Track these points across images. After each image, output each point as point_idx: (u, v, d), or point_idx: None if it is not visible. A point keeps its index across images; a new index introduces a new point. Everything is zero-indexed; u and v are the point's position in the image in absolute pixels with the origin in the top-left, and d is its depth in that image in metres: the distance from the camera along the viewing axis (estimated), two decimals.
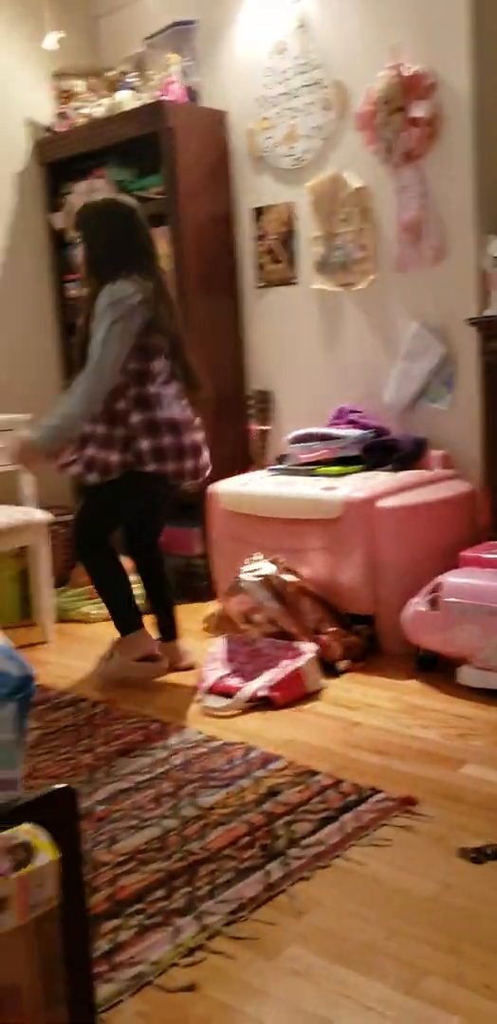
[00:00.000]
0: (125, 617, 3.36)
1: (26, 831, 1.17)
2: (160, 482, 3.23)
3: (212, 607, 4.07)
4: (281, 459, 4.09)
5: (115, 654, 3.36)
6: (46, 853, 1.15)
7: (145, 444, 3.12)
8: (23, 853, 1.13)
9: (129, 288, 3.06)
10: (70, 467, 3.19)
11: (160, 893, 1.96)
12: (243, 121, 4.26)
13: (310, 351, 4.21)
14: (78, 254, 3.30)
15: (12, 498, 3.88)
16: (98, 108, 4.45)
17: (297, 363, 4.27)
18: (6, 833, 1.16)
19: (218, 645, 3.28)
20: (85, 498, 3.36)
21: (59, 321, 4.71)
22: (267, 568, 3.37)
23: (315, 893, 1.93)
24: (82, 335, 3.17)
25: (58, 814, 1.25)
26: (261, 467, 4.17)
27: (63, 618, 4.08)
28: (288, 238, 4.20)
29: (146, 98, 4.30)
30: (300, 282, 4.19)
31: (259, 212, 4.29)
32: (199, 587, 4.23)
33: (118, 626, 3.37)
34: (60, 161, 4.55)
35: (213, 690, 3.08)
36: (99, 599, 3.61)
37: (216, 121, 4.28)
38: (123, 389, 3.12)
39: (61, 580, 4.32)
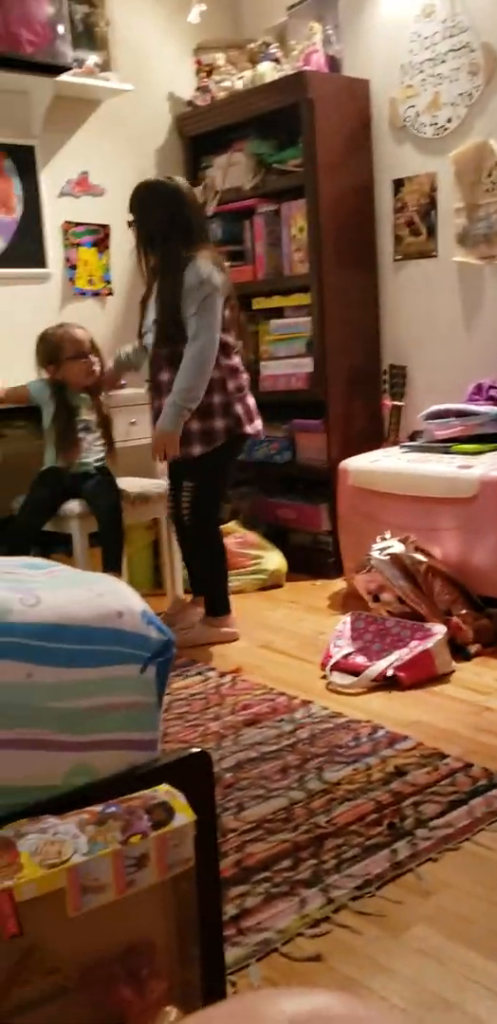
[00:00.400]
0: (224, 597, 3.54)
1: (165, 792, 1.19)
2: (244, 443, 3.51)
3: (338, 584, 4.06)
4: (414, 436, 4.03)
5: (197, 623, 3.50)
6: (184, 814, 1.17)
7: (239, 408, 3.37)
8: (162, 813, 1.16)
9: (210, 264, 3.25)
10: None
11: (286, 863, 1.97)
12: (385, 89, 4.19)
13: (448, 325, 4.12)
14: (133, 234, 3.40)
15: (145, 471, 3.96)
16: (239, 81, 4.45)
17: (434, 337, 4.19)
18: (146, 793, 1.19)
19: (344, 622, 3.27)
20: (188, 477, 3.42)
21: None
22: (398, 547, 3.33)
23: (443, 875, 1.91)
24: (164, 310, 3.28)
25: (194, 777, 1.27)
26: (393, 444, 4.11)
27: (190, 589, 4.14)
28: (428, 210, 4.10)
29: (287, 69, 4.28)
30: (440, 255, 4.10)
31: (399, 183, 4.21)
32: (325, 564, 4.23)
33: (216, 605, 3.53)
34: (200, 135, 4.58)
35: (338, 667, 3.07)
36: (234, 570, 3.80)
37: (357, 90, 4.21)
38: (217, 359, 3.28)
39: None
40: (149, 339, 3.40)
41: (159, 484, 3.84)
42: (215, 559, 3.53)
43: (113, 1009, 1.18)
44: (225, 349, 3.32)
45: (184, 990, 1.25)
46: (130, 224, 3.40)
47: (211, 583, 3.55)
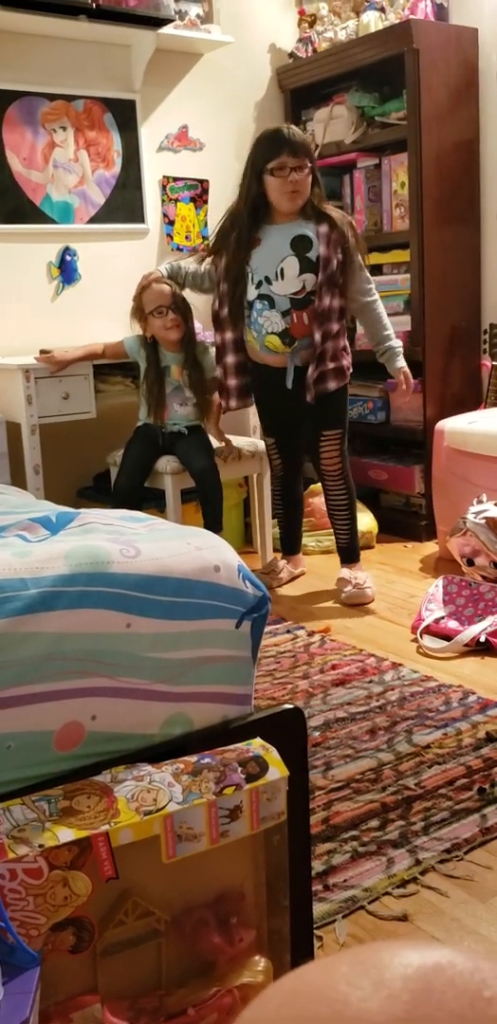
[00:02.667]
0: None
1: (259, 745, 1.21)
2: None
3: (431, 547, 4.01)
4: None
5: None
6: (277, 769, 1.18)
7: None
8: (256, 767, 1.17)
9: None
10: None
11: (374, 823, 1.98)
12: (494, 38, 4.04)
13: None
14: (309, 183, 3.26)
15: (238, 429, 3.97)
16: (342, 31, 4.36)
17: None
18: (240, 746, 1.20)
19: (436, 586, 3.23)
20: (335, 423, 3.41)
21: None
22: (494, 510, 3.27)
23: None
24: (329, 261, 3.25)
25: (288, 733, 1.28)
26: (492, 405, 4.02)
27: (280, 548, 4.15)
28: None
29: (392, 19, 4.17)
30: None
31: None
32: (417, 526, 4.18)
33: (358, 551, 3.57)
34: (301, 88, 4.51)
35: (430, 631, 3.04)
36: (323, 531, 3.78)
37: (465, 39, 4.08)
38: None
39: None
40: (274, 288, 3.26)
41: (252, 442, 3.84)
42: (354, 499, 3.56)
43: (203, 954, 1.20)
44: None
45: (272, 941, 1.27)
46: (310, 170, 3.24)
47: (353, 524, 3.57)
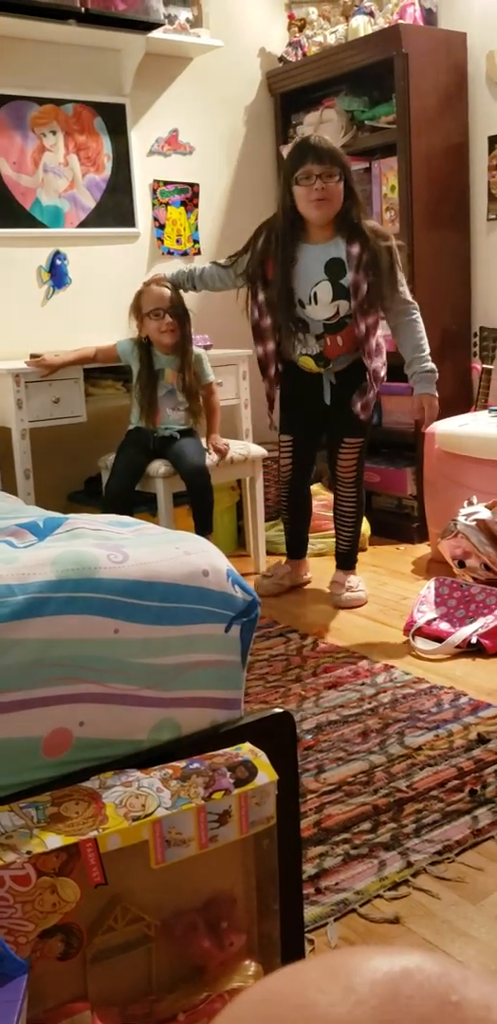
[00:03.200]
0: None
1: (248, 750, 1.21)
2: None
3: (423, 549, 4.02)
4: None
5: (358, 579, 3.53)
6: (266, 773, 1.18)
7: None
8: (245, 771, 1.17)
9: None
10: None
11: (366, 826, 1.98)
12: (483, 43, 4.06)
13: None
14: (340, 192, 3.14)
15: (231, 433, 3.97)
16: (331, 35, 4.37)
17: None
18: (229, 750, 1.20)
19: (428, 588, 3.23)
20: (358, 432, 3.40)
21: None
22: (485, 512, 3.28)
23: None
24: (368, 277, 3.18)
25: (277, 737, 1.28)
26: (482, 408, 4.03)
27: (272, 551, 4.15)
28: None
29: (381, 23, 4.18)
30: None
31: (495, 140, 4.08)
32: (410, 528, 4.18)
33: (355, 560, 3.57)
34: (291, 92, 4.52)
35: (421, 632, 3.05)
36: (316, 533, 3.80)
37: (454, 44, 4.09)
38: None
39: (272, 514, 4.40)
40: (308, 312, 3.22)
41: (245, 445, 3.84)
42: (362, 508, 3.57)
43: (193, 959, 1.20)
44: None
45: (263, 945, 1.27)
46: (339, 178, 3.13)
47: (357, 533, 3.57)
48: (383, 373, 3.32)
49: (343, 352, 3.27)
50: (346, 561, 3.56)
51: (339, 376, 3.34)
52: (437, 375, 3.28)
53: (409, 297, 3.25)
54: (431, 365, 3.26)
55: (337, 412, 3.35)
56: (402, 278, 3.22)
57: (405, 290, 3.24)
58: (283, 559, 3.74)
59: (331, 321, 3.21)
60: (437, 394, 3.27)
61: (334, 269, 3.17)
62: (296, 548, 3.71)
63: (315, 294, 3.19)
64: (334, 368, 3.31)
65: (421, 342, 3.25)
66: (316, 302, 3.19)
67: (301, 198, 3.12)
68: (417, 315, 3.26)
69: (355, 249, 3.13)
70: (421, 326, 3.26)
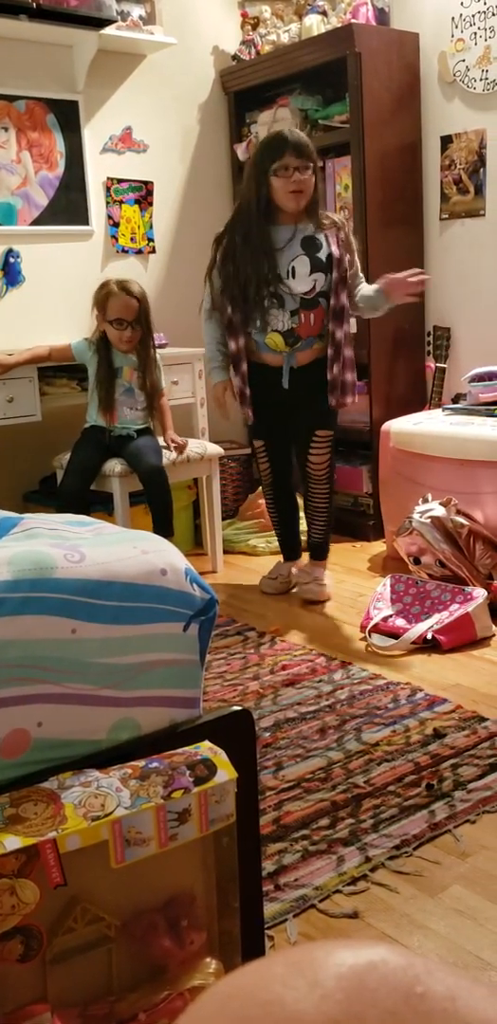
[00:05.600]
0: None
1: (207, 748, 1.21)
2: None
3: (378, 546, 4.05)
4: (458, 398, 3.99)
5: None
6: (225, 771, 1.18)
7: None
8: (204, 769, 1.17)
9: None
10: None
11: (324, 822, 1.99)
12: (435, 43, 4.10)
13: (495, 285, 4.05)
14: (313, 183, 3.24)
15: (187, 432, 3.96)
16: (285, 34, 4.38)
17: (480, 299, 4.13)
18: (188, 749, 1.20)
19: (384, 585, 3.26)
20: (329, 426, 3.42)
21: None
22: (439, 510, 3.31)
23: (480, 837, 1.91)
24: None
25: (236, 735, 1.28)
26: (436, 406, 4.07)
27: (230, 549, 4.16)
28: (477, 167, 4.03)
29: (334, 22, 4.20)
30: (488, 214, 4.03)
31: (447, 140, 4.13)
32: (365, 526, 4.21)
33: (327, 551, 3.60)
34: (245, 90, 4.52)
35: (378, 629, 3.07)
36: (271, 532, 3.78)
37: (406, 44, 4.13)
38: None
39: (229, 513, 4.41)
40: (283, 287, 3.24)
41: (201, 444, 3.84)
42: (332, 506, 3.59)
43: (154, 958, 1.20)
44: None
45: (223, 942, 1.27)
46: (313, 171, 3.21)
47: (329, 530, 3.58)
48: (355, 380, 3.35)
49: (312, 334, 3.27)
50: (318, 552, 3.57)
51: (302, 371, 3.32)
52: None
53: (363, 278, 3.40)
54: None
55: (304, 406, 3.35)
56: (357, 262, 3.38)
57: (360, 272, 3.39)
58: (281, 558, 3.72)
59: (307, 296, 3.24)
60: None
61: (310, 244, 3.24)
62: (290, 549, 3.69)
63: (293, 268, 3.23)
64: (298, 351, 3.29)
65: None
66: (294, 276, 3.23)
67: (278, 189, 3.19)
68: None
69: (331, 230, 3.27)
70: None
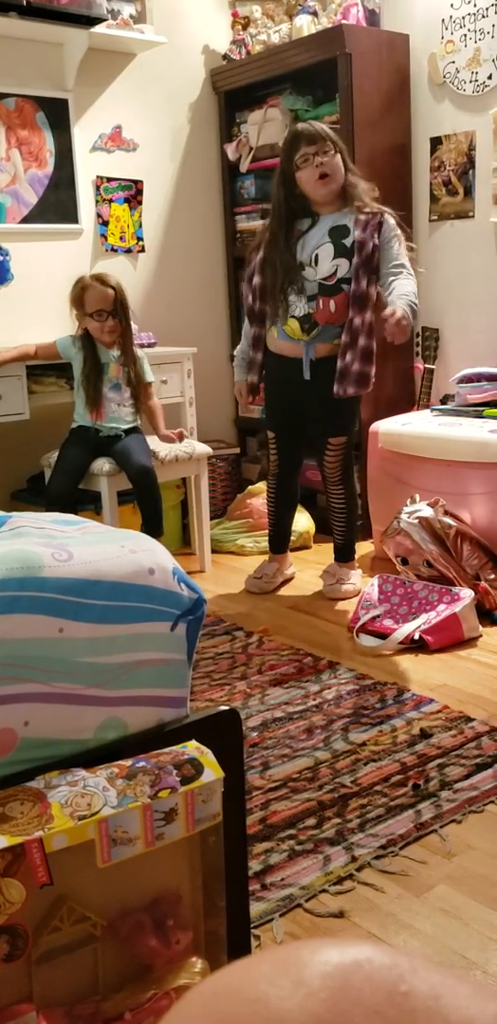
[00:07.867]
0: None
1: (194, 748, 1.21)
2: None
3: (366, 547, 4.05)
4: (446, 399, 4.00)
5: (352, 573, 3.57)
6: (212, 771, 1.18)
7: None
8: (191, 769, 1.17)
9: None
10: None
11: (311, 821, 1.99)
12: (425, 45, 4.11)
13: (483, 288, 4.07)
14: (340, 165, 3.22)
15: (176, 429, 3.96)
16: (275, 34, 4.38)
17: (468, 300, 4.14)
18: (175, 748, 1.20)
19: (372, 585, 3.27)
20: (341, 429, 3.39)
21: (228, 252, 4.73)
22: (427, 510, 3.32)
23: (466, 836, 1.92)
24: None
25: (223, 735, 1.29)
26: (425, 407, 4.08)
27: (218, 549, 4.16)
28: (466, 169, 4.04)
29: (325, 23, 4.21)
30: (477, 215, 4.04)
31: (437, 141, 4.14)
32: None
33: (353, 551, 3.58)
34: (235, 90, 4.52)
35: (365, 629, 3.08)
36: (261, 531, 3.78)
37: (397, 45, 4.14)
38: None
39: (217, 512, 4.41)
40: (306, 273, 3.22)
41: (189, 443, 3.84)
42: (354, 501, 3.57)
43: (140, 958, 1.20)
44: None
45: (209, 942, 1.27)
46: (335, 151, 3.21)
47: (352, 527, 3.58)
48: (372, 371, 3.28)
49: (332, 321, 3.24)
50: (342, 553, 3.59)
51: (323, 365, 3.28)
52: (411, 309, 3.06)
53: (406, 263, 3.20)
54: (413, 299, 3.10)
55: (321, 410, 3.34)
56: (404, 248, 3.22)
57: (405, 260, 3.21)
58: (267, 556, 3.73)
59: (328, 281, 3.21)
60: (410, 318, 3.05)
61: (338, 232, 3.22)
62: (279, 542, 3.71)
63: (316, 256, 3.22)
64: (317, 341, 3.26)
65: (407, 289, 3.12)
66: (316, 264, 3.22)
67: (305, 181, 3.20)
68: (410, 276, 3.18)
69: (362, 216, 3.21)
70: (412, 285, 3.15)
